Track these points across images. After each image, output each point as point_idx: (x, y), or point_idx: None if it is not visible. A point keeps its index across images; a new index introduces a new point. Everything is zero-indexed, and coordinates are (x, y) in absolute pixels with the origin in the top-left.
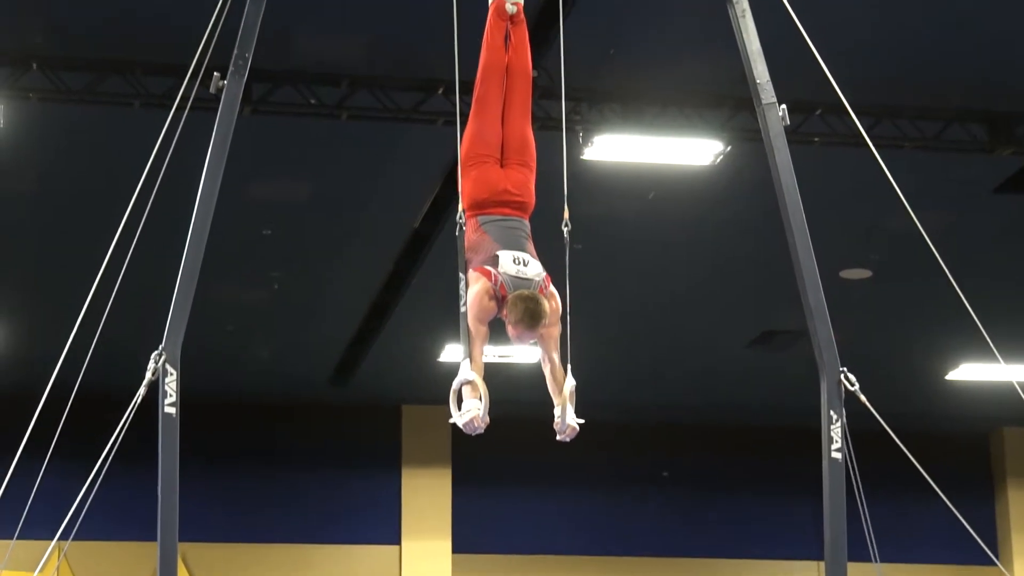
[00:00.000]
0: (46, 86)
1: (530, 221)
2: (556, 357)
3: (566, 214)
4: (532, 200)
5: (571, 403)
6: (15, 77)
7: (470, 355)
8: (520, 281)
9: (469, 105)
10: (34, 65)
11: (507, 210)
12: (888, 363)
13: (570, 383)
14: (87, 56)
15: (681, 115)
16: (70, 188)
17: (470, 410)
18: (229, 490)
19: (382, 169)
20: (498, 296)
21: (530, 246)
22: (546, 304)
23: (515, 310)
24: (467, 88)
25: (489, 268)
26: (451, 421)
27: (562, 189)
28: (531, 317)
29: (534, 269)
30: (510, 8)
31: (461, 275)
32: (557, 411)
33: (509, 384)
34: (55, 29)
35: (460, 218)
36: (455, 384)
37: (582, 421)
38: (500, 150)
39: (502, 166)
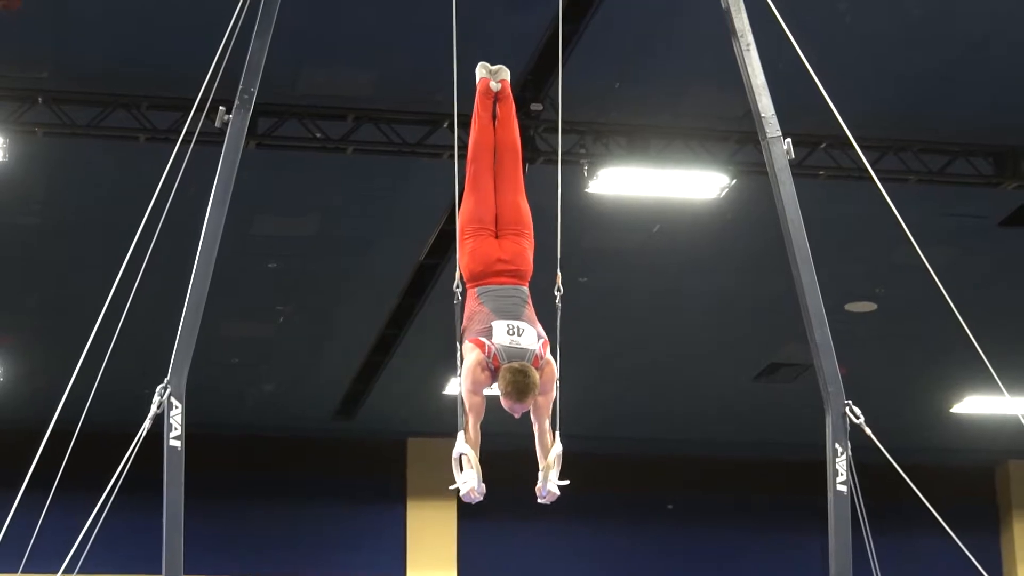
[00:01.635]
0: (51, 120)
1: (530, 285)
2: (547, 424)
3: (559, 279)
4: (529, 267)
5: (555, 468)
6: (21, 111)
7: (464, 427)
8: (514, 351)
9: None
10: (39, 99)
11: (504, 279)
12: (893, 396)
13: (556, 449)
14: (92, 90)
15: (686, 148)
16: (75, 222)
17: (467, 482)
18: (234, 523)
19: (387, 202)
20: (491, 367)
21: (528, 312)
22: (535, 376)
23: (504, 382)
24: (461, 120)
25: (483, 339)
26: (451, 488)
27: (564, 223)
28: (519, 391)
29: (528, 339)
30: (494, 86)
31: (458, 344)
32: (541, 475)
33: (514, 418)
34: (60, 64)
35: (457, 287)
36: (454, 453)
37: (566, 483)
38: (495, 222)
39: (497, 237)
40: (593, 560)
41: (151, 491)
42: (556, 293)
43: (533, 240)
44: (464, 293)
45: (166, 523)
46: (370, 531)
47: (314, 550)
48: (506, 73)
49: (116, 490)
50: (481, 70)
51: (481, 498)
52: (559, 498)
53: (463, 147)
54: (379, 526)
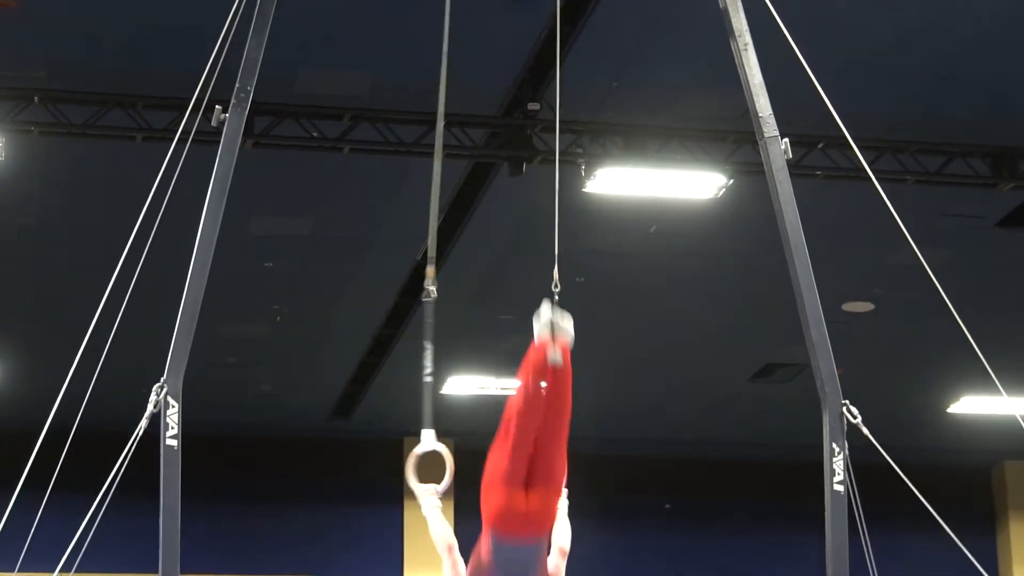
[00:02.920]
0: (48, 120)
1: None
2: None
3: (555, 275)
4: (552, 523)
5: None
6: (17, 111)
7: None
8: None
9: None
10: (36, 99)
11: (525, 538)
12: (890, 396)
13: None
14: (89, 90)
15: (683, 148)
16: (71, 221)
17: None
18: (231, 522)
19: (384, 202)
20: None
21: (540, 569)
22: None
23: None
24: (456, 120)
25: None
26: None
27: (561, 223)
28: None
29: None
30: (554, 360)
31: (428, 344)
32: None
33: None
34: (57, 63)
35: (430, 284)
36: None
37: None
38: (526, 475)
39: (527, 489)
40: (589, 560)
41: (148, 491)
42: (553, 290)
43: (562, 490)
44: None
45: (163, 523)
46: (367, 531)
47: (311, 550)
48: (570, 331)
49: (113, 490)
50: (541, 325)
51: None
52: None
53: (449, 146)
54: (376, 526)
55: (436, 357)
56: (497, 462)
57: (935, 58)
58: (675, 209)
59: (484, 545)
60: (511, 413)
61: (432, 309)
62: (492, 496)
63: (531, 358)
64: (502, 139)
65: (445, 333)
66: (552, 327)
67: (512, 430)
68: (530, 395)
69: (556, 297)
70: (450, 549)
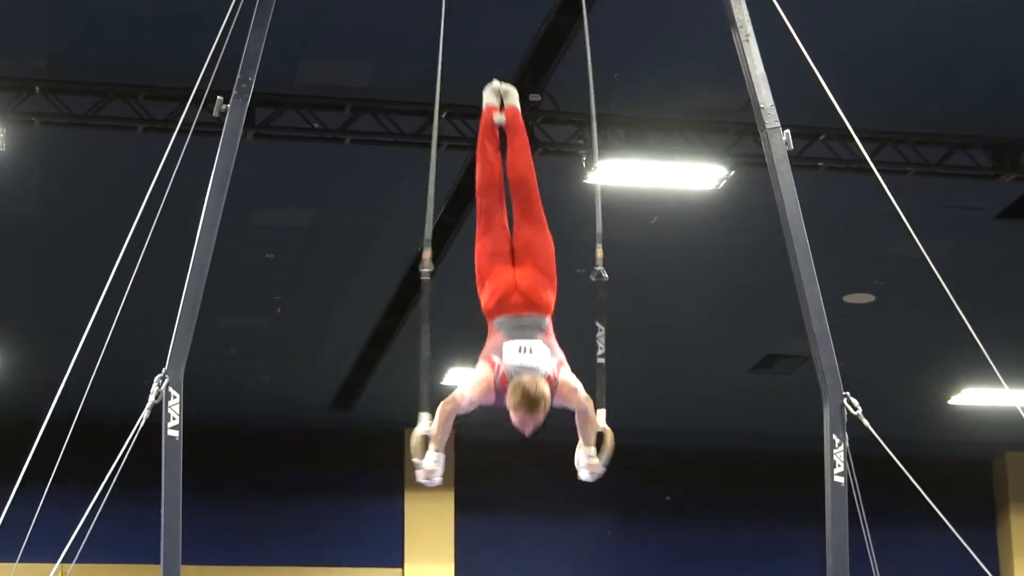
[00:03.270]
0: (49, 110)
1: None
2: (584, 434)
3: (599, 253)
4: (547, 300)
5: (593, 449)
6: (18, 101)
7: (434, 414)
8: (523, 368)
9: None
10: (37, 89)
11: (520, 310)
12: (891, 388)
13: (600, 424)
14: (90, 80)
15: (685, 140)
16: (72, 212)
17: (432, 470)
18: (232, 513)
19: (385, 193)
20: (498, 386)
21: (544, 337)
22: (545, 390)
23: (513, 395)
24: (457, 112)
25: (493, 357)
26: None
27: (567, 213)
28: (529, 403)
29: (539, 358)
30: (498, 120)
31: (427, 327)
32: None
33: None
34: (58, 53)
35: (426, 266)
36: (417, 431)
37: (605, 466)
38: (511, 254)
39: (514, 265)
40: (589, 551)
41: (149, 482)
42: (597, 270)
43: (554, 273)
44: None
45: (164, 513)
46: (368, 523)
47: (311, 541)
48: (514, 97)
49: (114, 481)
50: (488, 94)
51: (440, 481)
52: (557, 489)
53: (450, 138)
54: (377, 518)
55: (437, 348)
56: (480, 252)
57: (936, 49)
58: (676, 201)
59: (490, 330)
60: (478, 191)
61: (430, 291)
62: (485, 284)
63: (482, 122)
64: None
65: (445, 324)
66: (494, 91)
67: (482, 206)
68: (486, 161)
69: (595, 276)
70: (453, 399)
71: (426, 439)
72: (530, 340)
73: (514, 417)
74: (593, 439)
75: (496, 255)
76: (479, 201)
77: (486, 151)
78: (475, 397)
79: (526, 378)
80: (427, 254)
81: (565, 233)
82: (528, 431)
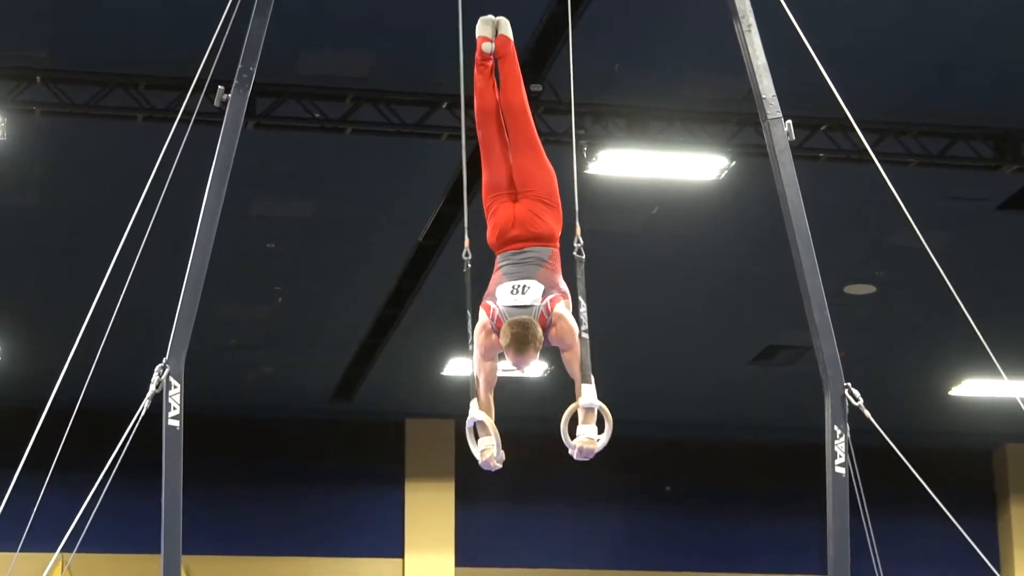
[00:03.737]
0: (49, 100)
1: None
2: (578, 376)
3: (578, 230)
4: (546, 228)
5: (587, 422)
6: (19, 91)
7: (477, 394)
8: (515, 309)
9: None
10: (38, 79)
11: (519, 244)
12: (892, 379)
13: (584, 400)
14: (90, 70)
15: (686, 130)
16: (73, 202)
17: (486, 449)
18: (233, 503)
19: (386, 183)
20: (496, 329)
21: (545, 272)
22: (535, 329)
23: (504, 336)
24: (458, 102)
25: (489, 302)
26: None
27: (563, 205)
28: (518, 342)
29: (533, 295)
30: (487, 49)
31: (468, 312)
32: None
33: (512, 399)
34: (59, 43)
35: (466, 255)
36: (468, 423)
37: (599, 439)
38: (512, 187)
39: (515, 200)
40: (590, 541)
41: (150, 472)
42: (576, 244)
43: (556, 198)
44: (475, 260)
45: (165, 503)
46: (368, 513)
47: (311, 531)
48: (506, 27)
49: (115, 470)
50: (480, 26)
51: (500, 465)
52: (557, 480)
53: (452, 128)
54: (377, 508)
55: (437, 339)
56: (484, 183)
57: (938, 41)
58: (677, 191)
59: (495, 268)
60: (476, 121)
61: (469, 278)
62: (489, 217)
63: (475, 58)
64: None
65: (446, 314)
66: (486, 23)
67: (481, 136)
68: (480, 90)
69: (576, 252)
70: (475, 360)
71: (475, 428)
72: (524, 279)
73: (507, 356)
74: (579, 375)
75: (497, 188)
76: (479, 132)
77: (478, 81)
78: (481, 346)
79: (517, 319)
80: (467, 242)
81: (565, 223)
82: (521, 369)
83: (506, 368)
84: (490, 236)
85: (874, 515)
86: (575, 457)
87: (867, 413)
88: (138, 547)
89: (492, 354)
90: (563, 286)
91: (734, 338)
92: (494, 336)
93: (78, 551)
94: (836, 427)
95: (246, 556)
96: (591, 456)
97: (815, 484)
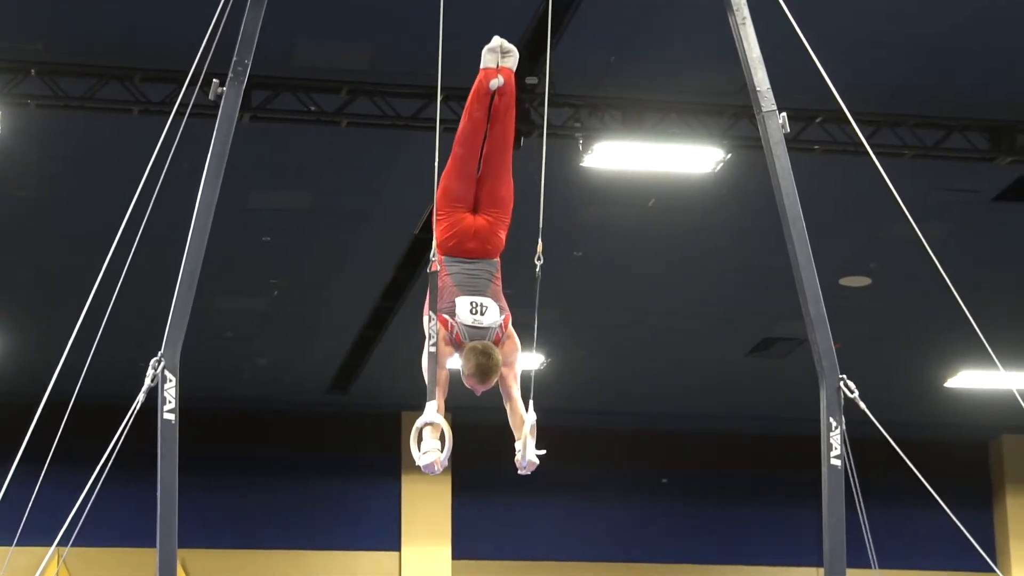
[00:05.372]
0: (45, 93)
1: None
2: (516, 394)
3: (539, 247)
4: (500, 244)
5: (532, 438)
6: (14, 84)
7: (434, 396)
8: (475, 331)
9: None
10: (33, 72)
11: (474, 254)
12: (888, 370)
13: (530, 419)
14: (86, 63)
15: (681, 123)
16: (69, 195)
17: (428, 452)
18: (229, 496)
19: (382, 176)
20: (454, 342)
21: (494, 286)
22: (498, 358)
23: (468, 364)
24: (458, 95)
25: (447, 317)
26: (417, 463)
27: (559, 197)
28: (482, 373)
29: (491, 317)
30: (494, 85)
31: (431, 314)
32: (518, 446)
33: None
34: (54, 36)
35: (433, 256)
36: (417, 423)
37: (542, 453)
38: (474, 201)
39: (475, 213)
40: (587, 534)
41: (145, 465)
42: (536, 263)
43: (510, 219)
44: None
45: (160, 496)
46: (364, 505)
47: (308, 524)
48: (514, 60)
49: (110, 463)
50: (487, 56)
51: (440, 470)
52: (554, 472)
53: (448, 121)
54: (374, 500)
55: (419, 337)
56: (446, 188)
57: (933, 32)
58: (673, 183)
59: (441, 267)
60: (457, 140)
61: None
62: (443, 219)
63: (476, 83)
64: None
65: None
66: (494, 53)
67: (458, 154)
68: (474, 118)
69: (539, 268)
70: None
71: (419, 430)
72: (481, 296)
73: (466, 382)
74: (517, 399)
75: (459, 201)
76: (456, 149)
77: (473, 112)
78: (441, 354)
79: (479, 347)
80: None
81: (561, 216)
82: (479, 393)
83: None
84: (444, 239)
85: (870, 507)
86: (524, 472)
87: (862, 405)
88: (134, 541)
89: (446, 362)
90: (505, 303)
91: (730, 330)
92: (451, 347)
93: (73, 545)
94: (832, 419)
95: (242, 549)
96: (534, 470)
97: (811, 476)
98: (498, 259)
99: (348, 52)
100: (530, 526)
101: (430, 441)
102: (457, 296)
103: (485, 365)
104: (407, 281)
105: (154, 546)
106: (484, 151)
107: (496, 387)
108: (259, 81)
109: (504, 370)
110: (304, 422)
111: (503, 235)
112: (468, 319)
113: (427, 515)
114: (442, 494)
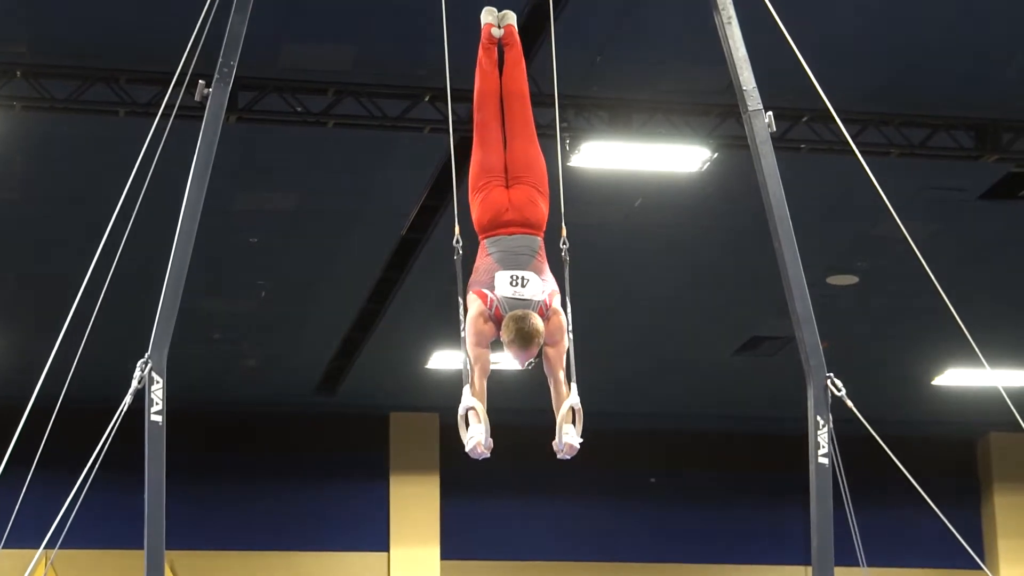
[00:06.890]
0: (30, 94)
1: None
2: (561, 376)
3: (563, 231)
4: (540, 216)
5: (572, 423)
6: None
7: (471, 381)
8: (516, 302)
9: (459, 113)
10: (18, 73)
11: (512, 229)
12: (875, 369)
13: (571, 401)
14: (71, 64)
15: (668, 122)
16: (54, 197)
17: (473, 436)
18: (217, 498)
19: (369, 177)
20: (493, 318)
21: (537, 263)
22: (538, 324)
23: (507, 331)
24: (457, 96)
25: (485, 291)
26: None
27: (550, 195)
28: (522, 338)
29: (533, 289)
30: (496, 33)
31: (460, 299)
32: (557, 429)
33: (497, 391)
34: (39, 37)
35: (457, 242)
36: (460, 410)
37: (581, 440)
38: (505, 172)
39: (508, 187)
40: (575, 534)
41: (132, 467)
42: (562, 247)
43: (547, 188)
44: (465, 247)
45: (148, 498)
46: (353, 506)
47: (296, 525)
48: (512, 19)
49: (97, 466)
50: (486, 15)
51: (488, 453)
52: (542, 472)
53: (434, 121)
54: (362, 501)
55: (420, 332)
56: (475, 163)
57: (918, 30)
58: (660, 183)
59: (481, 249)
60: (476, 103)
61: (460, 266)
62: (477, 198)
63: (481, 40)
64: None
65: (430, 308)
66: (492, 15)
67: (479, 119)
68: (485, 73)
69: (565, 251)
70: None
71: (466, 415)
72: (522, 270)
73: (508, 351)
74: (562, 381)
75: (490, 172)
76: (476, 115)
77: (483, 65)
78: (477, 334)
79: (519, 313)
80: (457, 229)
81: (551, 223)
82: (522, 365)
83: (494, 361)
84: (480, 218)
85: (857, 505)
86: (562, 456)
87: (849, 403)
88: (122, 543)
89: (487, 341)
90: (552, 279)
91: (717, 329)
92: (491, 324)
93: (61, 548)
94: (819, 417)
95: (230, 551)
96: (574, 455)
97: (799, 474)
98: (541, 238)
99: (334, 53)
100: (519, 526)
101: (476, 427)
102: (497, 271)
103: (524, 330)
104: (395, 282)
105: (142, 548)
106: (504, 111)
107: (493, 388)
108: (245, 82)
109: (548, 349)
110: (292, 423)
111: (543, 207)
112: (508, 291)
113: (416, 515)
114: (430, 494)
